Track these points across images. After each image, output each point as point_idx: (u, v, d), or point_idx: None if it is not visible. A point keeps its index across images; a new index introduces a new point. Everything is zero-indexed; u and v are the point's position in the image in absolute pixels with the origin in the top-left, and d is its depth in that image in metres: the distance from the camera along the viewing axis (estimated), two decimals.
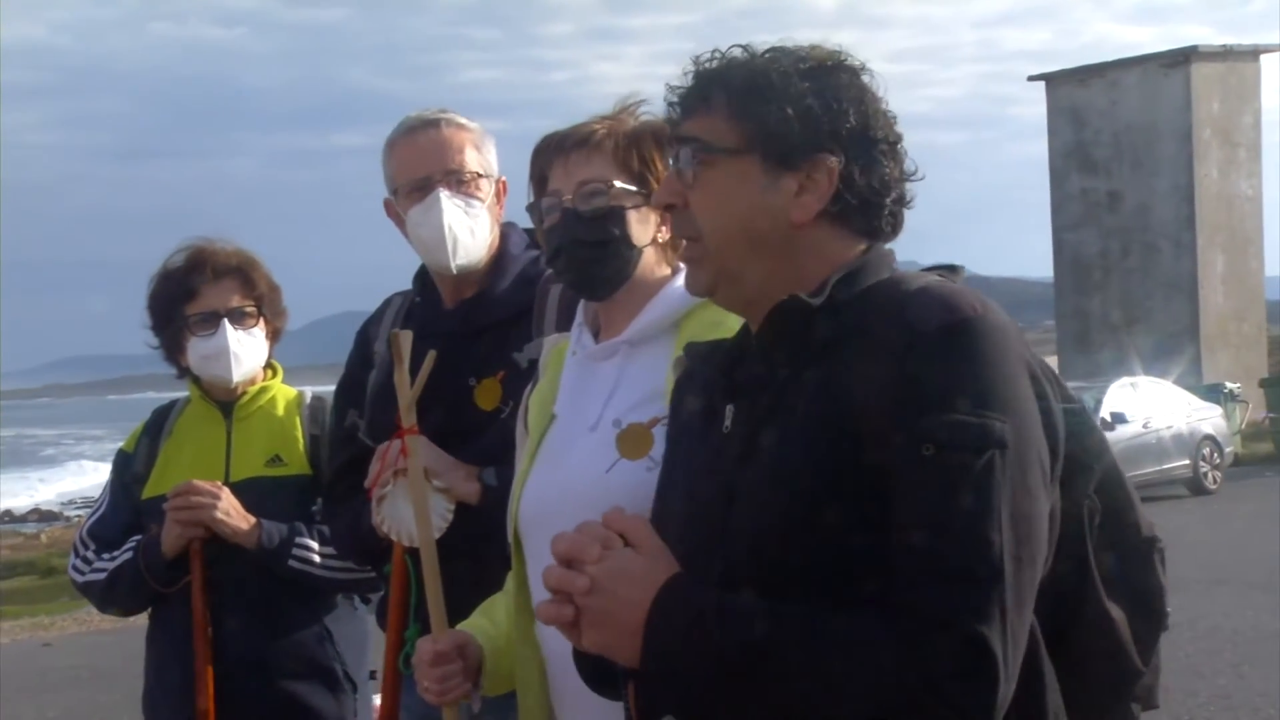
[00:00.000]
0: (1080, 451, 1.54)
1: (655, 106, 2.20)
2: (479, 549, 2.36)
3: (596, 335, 2.21)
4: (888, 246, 1.61)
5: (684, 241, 1.64)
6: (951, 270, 1.60)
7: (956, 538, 1.37)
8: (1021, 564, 1.39)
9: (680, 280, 2.17)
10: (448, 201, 2.58)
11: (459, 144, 2.63)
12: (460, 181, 2.61)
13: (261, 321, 3.11)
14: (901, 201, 1.60)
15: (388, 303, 2.81)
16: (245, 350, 3.07)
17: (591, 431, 2.11)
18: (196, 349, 3.06)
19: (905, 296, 1.50)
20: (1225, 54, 26.61)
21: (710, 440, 1.61)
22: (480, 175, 2.64)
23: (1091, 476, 1.55)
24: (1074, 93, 27.33)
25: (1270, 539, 10.91)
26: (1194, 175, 25.93)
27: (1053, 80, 27.85)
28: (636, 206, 2.15)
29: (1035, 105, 28.41)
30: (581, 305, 2.24)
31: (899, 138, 1.59)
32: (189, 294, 3.04)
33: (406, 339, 2.30)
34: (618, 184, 2.13)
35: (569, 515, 2.06)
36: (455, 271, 2.62)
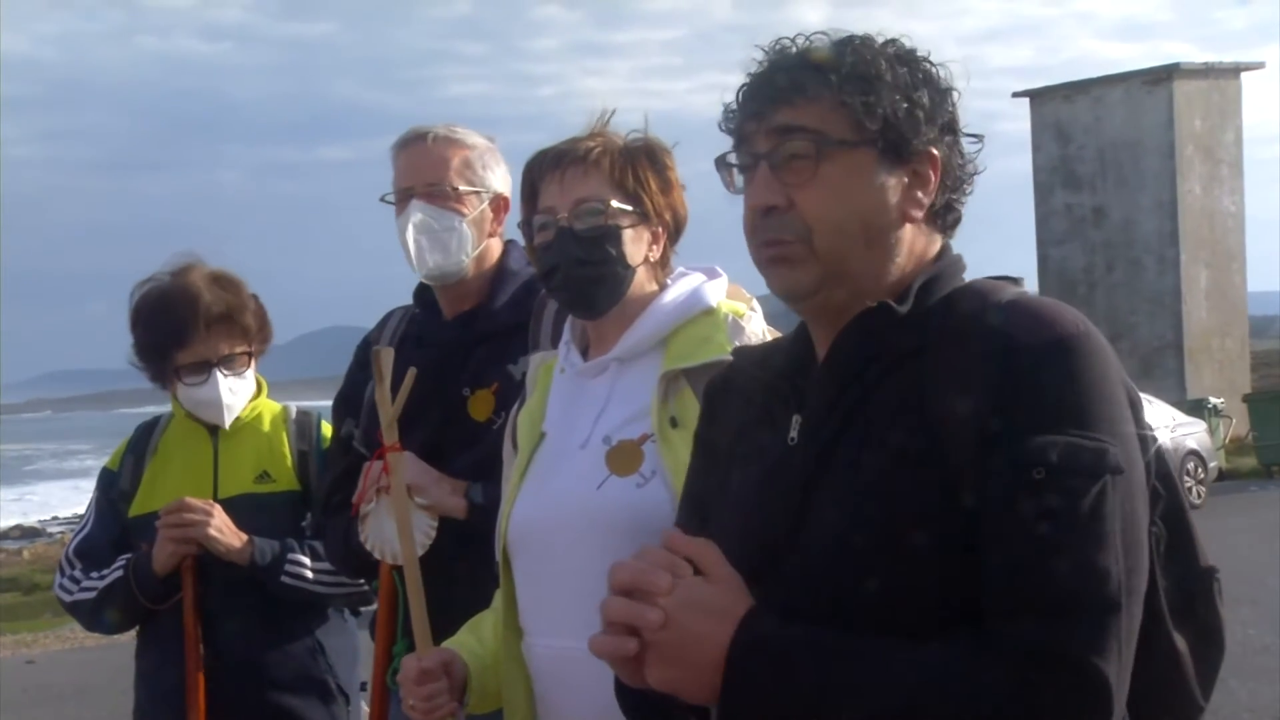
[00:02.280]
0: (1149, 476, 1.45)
1: (629, 120, 2.22)
2: (468, 565, 2.36)
3: (584, 352, 2.21)
4: (956, 251, 1.54)
5: (776, 244, 1.49)
6: (1013, 282, 1.53)
7: (1072, 568, 1.29)
8: (1134, 594, 1.33)
9: (669, 296, 2.18)
10: (416, 213, 2.63)
11: (443, 158, 2.66)
12: (439, 195, 2.63)
13: (250, 358, 3.11)
14: (968, 195, 1.54)
15: (389, 316, 2.85)
16: (236, 395, 3.08)
17: (582, 449, 2.11)
18: (187, 395, 3.06)
19: (997, 308, 1.41)
20: (1207, 71, 26.75)
21: (772, 452, 1.51)
22: (466, 190, 2.65)
23: (1158, 501, 1.47)
24: (1058, 109, 27.44)
25: (1255, 554, 10.95)
26: (1177, 191, 26.04)
27: (1037, 97, 27.96)
28: (632, 226, 2.15)
29: (1019, 121, 28.54)
30: (569, 322, 2.24)
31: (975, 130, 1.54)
32: (179, 343, 3.01)
33: (387, 356, 2.31)
34: (614, 203, 2.13)
35: (559, 533, 2.06)
36: (424, 280, 2.68)
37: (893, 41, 1.51)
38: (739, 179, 1.53)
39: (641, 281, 2.18)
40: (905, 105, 1.46)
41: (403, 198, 2.67)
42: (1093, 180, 27.10)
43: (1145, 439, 1.42)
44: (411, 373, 2.31)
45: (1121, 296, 26.80)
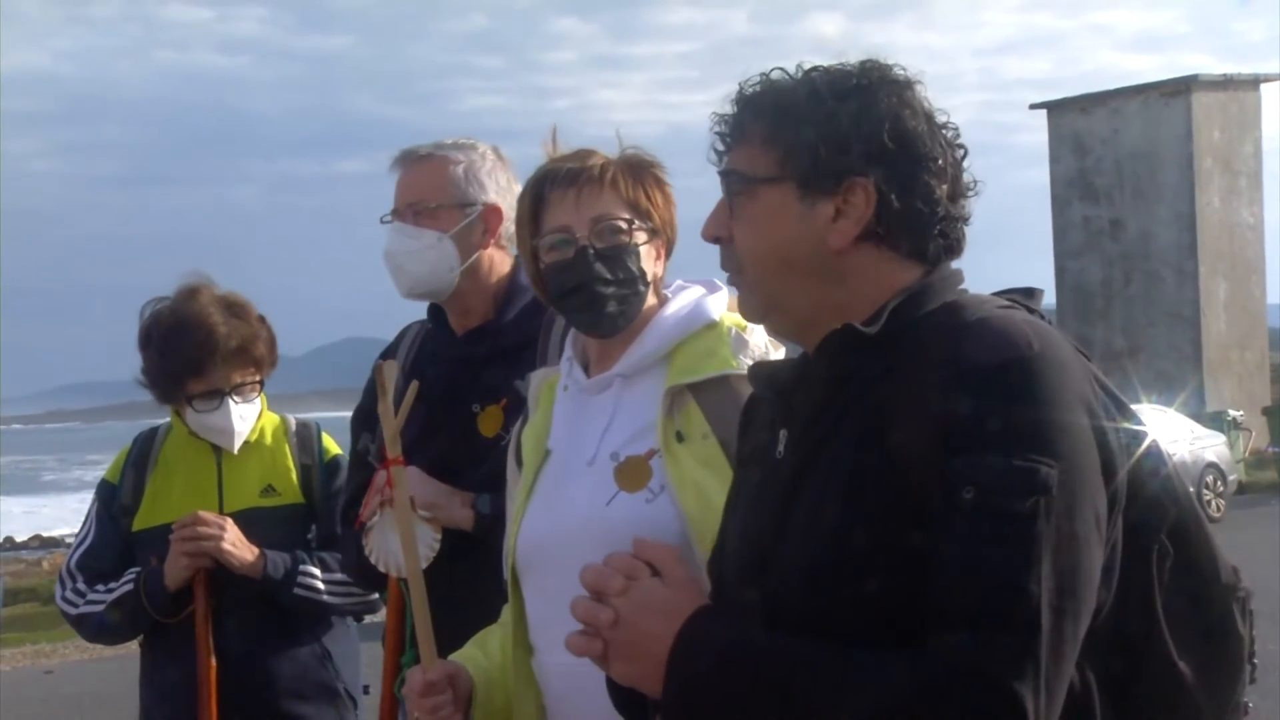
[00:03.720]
0: (1149, 492, 1.44)
1: (645, 131, 2.22)
2: (474, 579, 2.36)
3: (586, 368, 2.20)
4: (955, 266, 1.53)
5: (731, 274, 1.59)
6: (1028, 295, 1.53)
7: (992, 586, 1.31)
8: (1063, 615, 1.31)
9: (671, 310, 2.18)
10: (388, 236, 2.67)
11: (421, 177, 2.66)
12: (417, 213, 2.64)
13: (260, 385, 3.13)
14: (954, 220, 1.51)
15: (405, 331, 2.85)
16: (245, 421, 3.09)
17: (589, 466, 2.10)
18: (198, 420, 3.06)
19: (960, 328, 1.42)
20: (1226, 83, 26.71)
21: (765, 465, 1.57)
22: (446, 206, 2.64)
23: (1163, 518, 1.45)
24: (1076, 121, 27.42)
25: (1275, 567, 10.87)
26: (1195, 203, 25.98)
27: (1055, 108, 27.95)
28: (647, 242, 2.16)
29: (1037, 133, 28.49)
30: (571, 338, 2.24)
31: (948, 153, 1.50)
32: (194, 373, 3.02)
33: (390, 370, 2.32)
34: (634, 220, 2.14)
35: (569, 550, 2.05)
36: (405, 297, 2.69)
37: (856, 67, 1.51)
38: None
39: (650, 297, 2.18)
40: (818, 138, 1.47)
41: (392, 219, 2.69)
42: (1110, 192, 27.05)
43: (1117, 453, 1.40)
44: (414, 387, 2.31)
45: (1139, 309, 26.73)
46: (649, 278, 2.15)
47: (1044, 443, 1.34)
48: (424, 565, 2.28)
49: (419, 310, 2.85)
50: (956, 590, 1.32)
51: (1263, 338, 27.77)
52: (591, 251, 2.12)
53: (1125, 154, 26.77)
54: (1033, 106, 28.63)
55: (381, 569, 2.47)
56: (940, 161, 1.49)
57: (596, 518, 2.04)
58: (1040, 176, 28.28)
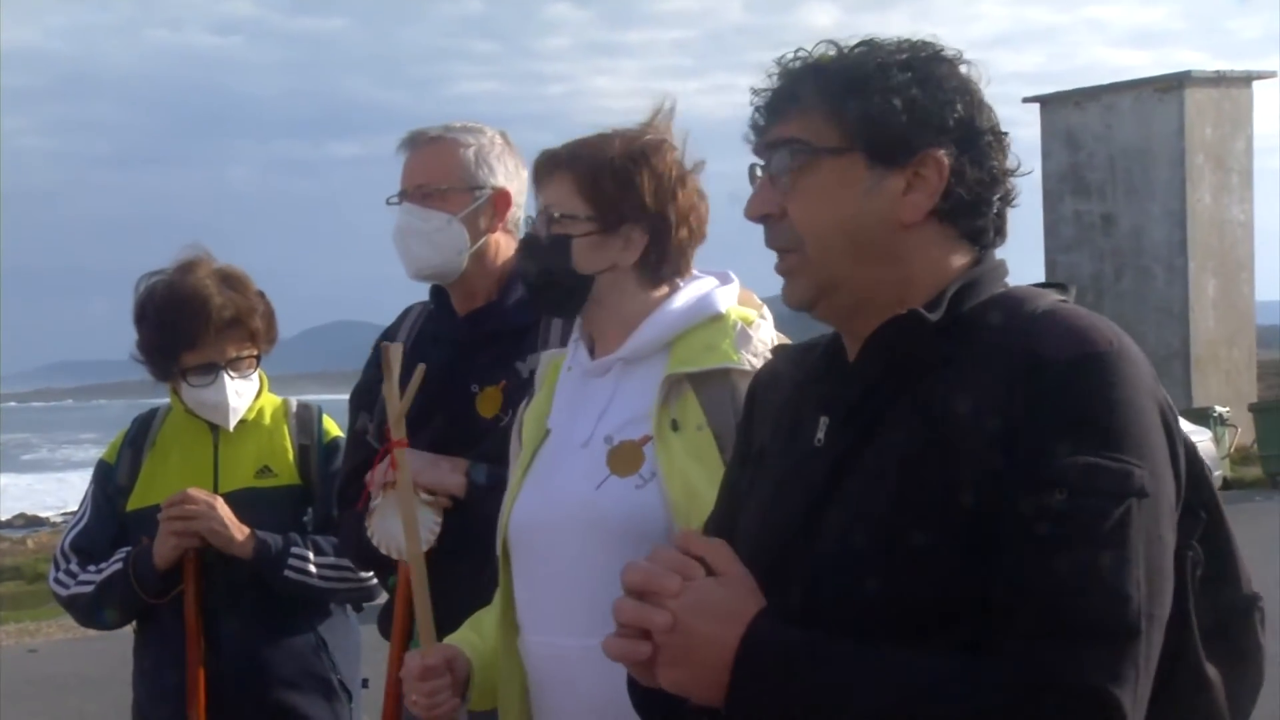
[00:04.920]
0: (1188, 497, 1.41)
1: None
2: (472, 552, 2.37)
3: (592, 352, 2.22)
4: (1000, 257, 1.50)
5: (779, 253, 1.50)
6: (1062, 289, 1.50)
7: (1091, 592, 1.27)
8: (1154, 622, 1.29)
9: (678, 299, 2.18)
10: (398, 217, 2.67)
11: (431, 159, 2.68)
12: (427, 195, 2.65)
13: (257, 360, 3.11)
14: (1007, 199, 1.49)
15: (409, 311, 2.87)
16: (242, 397, 3.07)
17: (583, 447, 2.12)
18: (192, 395, 3.05)
19: (1030, 319, 1.38)
20: (1218, 80, 26.70)
21: (796, 452, 1.50)
22: (456, 188, 2.66)
23: (1197, 524, 1.42)
24: (1069, 115, 27.40)
25: (1260, 564, 10.90)
26: (1186, 200, 25.99)
27: (1048, 103, 27.92)
28: (586, 234, 2.15)
29: (1029, 127, 28.47)
30: (579, 320, 2.25)
31: (1003, 130, 1.49)
32: (187, 345, 3.01)
33: (396, 352, 2.32)
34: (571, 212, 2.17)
35: (558, 530, 2.08)
36: (413, 278, 2.70)
37: (902, 43, 1.48)
38: (751, 194, 1.52)
39: (631, 286, 2.18)
40: (890, 106, 1.42)
41: (399, 201, 2.70)
42: (1102, 187, 27.05)
43: (1181, 456, 1.38)
44: (420, 369, 2.33)
45: (1129, 305, 26.74)
46: (580, 269, 2.15)
47: (1133, 443, 1.31)
48: (425, 548, 2.29)
49: (407, 294, 2.85)
50: (1047, 597, 1.27)
51: (1250, 335, 27.82)
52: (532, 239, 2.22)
53: (1118, 149, 26.76)
54: (1026, 100, 28.60)
55: (384, 552, 2.48)
56: (1000, 137, 1.47)
57: (586, 499, 2.05)
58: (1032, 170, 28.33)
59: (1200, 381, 25.77)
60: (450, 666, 2.14)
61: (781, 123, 1.47)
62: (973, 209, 1.46)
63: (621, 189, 2.14)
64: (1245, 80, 27.21)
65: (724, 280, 2.23)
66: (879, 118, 1.42)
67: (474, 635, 2.23)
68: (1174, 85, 26.19)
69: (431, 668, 2.12)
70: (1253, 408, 21.56)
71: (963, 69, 1.48)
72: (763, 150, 1.50)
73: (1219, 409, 20.99)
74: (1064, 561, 1.27)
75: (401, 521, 2.29)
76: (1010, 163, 1.49)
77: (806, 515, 1.43)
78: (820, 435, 1.47)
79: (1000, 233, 1.50)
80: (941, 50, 1.49)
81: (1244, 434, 21.99)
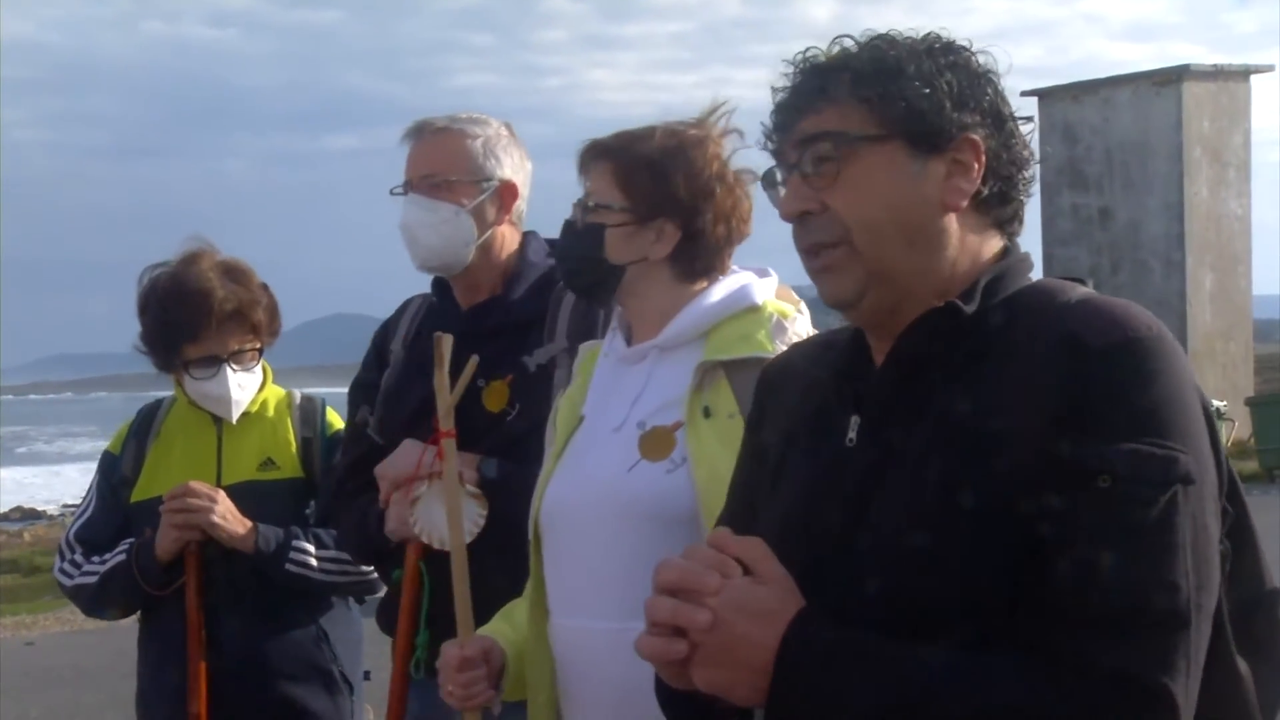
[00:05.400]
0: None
1: (642, 113, 2.24)
2: (481, 546, 2.38)
3: (629, 340, 2.24)
4: (1024, 249, 1.49)
5: (816, 251, 1.47)
6: (1080, 282, 1.49)
7: (1140, 582, 1.25)
8: (1203, 612, 1.28)
9: (716, 290, 2.19)
10: (406, 207, 2.65)
11: (439, 150, 2.66)
12: (434, 186, 2.64)
13: (259, 353, 3.10)
14: (1028, 186, 1.48)
15: (407, 304, 2.86)
16: (244, 390, 3.07)
17: (616, 432, 2.14)
18: (195, 387, 3.04)
19: (1066, 308, 1.37)
20: (1216, 74, 26.70)
21: (827, 451, 1.47)
22: (464, 180, 2.65)
23: (1225, 518, 1.39)
24: (1067, 109, 27.40)
25: None
26: (1184, 194, 26.01)
27: (1046, 96, 27.91)
28: (621, 225, 2.18)
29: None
30: (617, 309, 2.27)
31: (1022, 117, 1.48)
32: (189, 337, 3.00)
33: (447, 342, 2.32)
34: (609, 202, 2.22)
35: (588, 513, 2.10)
36: (419, 269, 2.69)
37: (922, 36, 1.48)
38: (784, 194, 1.50)
39: (664, 278, 2.19)
40: (929, 92, 1.41)
41: (404, 191, 2.68)
42: (1100, 181, 27.05)
43: (1221, 445, 1.37)
44: (473, 361, 2.33)
45: (1127, 298, 26.62)
46: (612, 258, 2.17)
47: (1177, 430, 1.29)
48: (468, 540, 2.31)
49: (405, 287, 2.85)
50: (1096, 588, 1.26)
51: (1247, 329, 27.85)
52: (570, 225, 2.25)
53: (1115, 143, 26.78)
54: (1024, 94, 28.60)
55: (425, 541, 2.49)
56: (1019, 123, 1.47)
57: (617, 483, 2.07)
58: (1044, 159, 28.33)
59: (1197, 375, 25.79)
60: (486, 658, 2.16)
61: (813, 117, 1.45)
62: (1003, 196, 1.47)
63: (656, 182, 2.15)
64: (1243, 74, 27.21)
65: (762, 274, 2.25)
66: (918, 104, 1.41)
67: (506, 626, 2.25)
68: (1172, 79, 26.19)
69: (469, 659, 2.14)
70: (1249, 402, 21.59)
71: (982, 58, 1.48)
72: (792, 148, 1.47)
73: (1216, 403, 20.92)
74: (1112, 552, 1.25)
75: (445, 512, 2.30)
76: (1031, 149, 1.50)
77: (844, 515, 1.41)
78: (852, 435, 1.45)
79: (1021, 220, 1.50)
80: (956, 41, 1.49)
81: (1241, 428, 22.02)
